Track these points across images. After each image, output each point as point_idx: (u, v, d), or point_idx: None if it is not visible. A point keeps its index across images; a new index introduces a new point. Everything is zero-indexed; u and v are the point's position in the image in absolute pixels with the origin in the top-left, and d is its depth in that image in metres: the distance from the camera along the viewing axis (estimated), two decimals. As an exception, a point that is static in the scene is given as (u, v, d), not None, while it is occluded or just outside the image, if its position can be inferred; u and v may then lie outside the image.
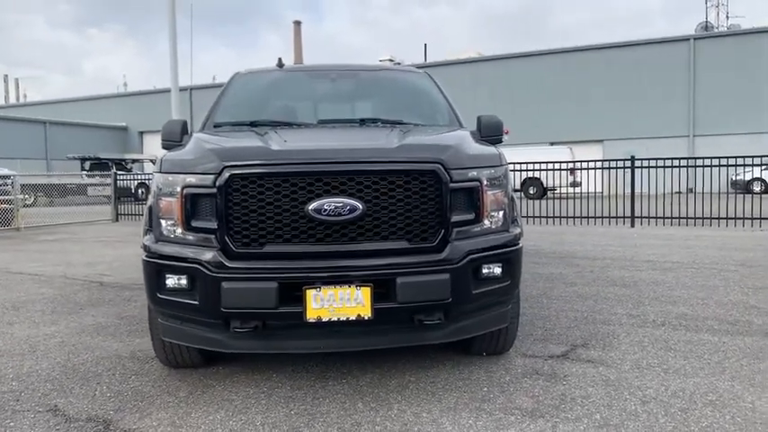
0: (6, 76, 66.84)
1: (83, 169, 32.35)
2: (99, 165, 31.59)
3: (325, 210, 3.06)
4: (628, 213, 12.81)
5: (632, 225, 12.63)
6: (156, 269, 3.28)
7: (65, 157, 34.81)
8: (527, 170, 14.20)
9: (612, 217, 12.96)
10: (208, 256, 3.13)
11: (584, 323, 4.72)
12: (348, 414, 3.12)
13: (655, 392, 3.31)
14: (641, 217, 12.69)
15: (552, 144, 35.16)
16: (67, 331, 4.83)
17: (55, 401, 3.38)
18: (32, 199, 25.89)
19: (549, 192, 25.15)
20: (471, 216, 3.30)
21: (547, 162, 14.06)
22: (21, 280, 7.32)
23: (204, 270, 3.12)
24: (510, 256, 3.43)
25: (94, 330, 4.83)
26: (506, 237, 3.45)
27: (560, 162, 14.51)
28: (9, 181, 15.01)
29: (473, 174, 3.32)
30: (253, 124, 4.32)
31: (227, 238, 3.12)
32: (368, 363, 3.84)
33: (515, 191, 16.94)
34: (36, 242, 12.17)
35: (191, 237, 3.22)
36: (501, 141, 4.82)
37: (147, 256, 3.34)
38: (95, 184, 26.59)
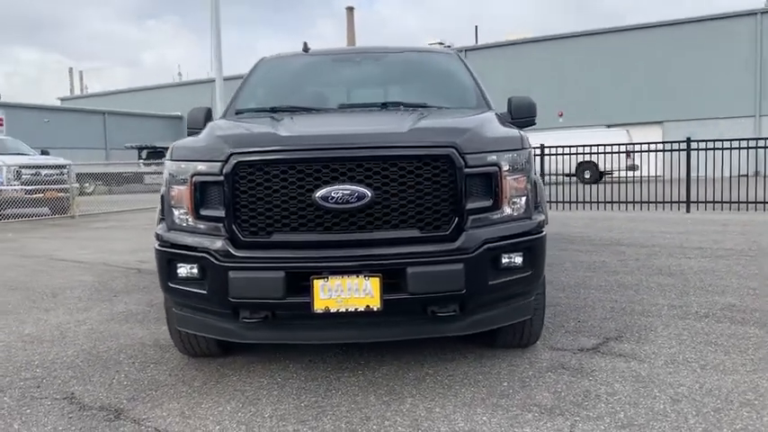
0: (71, 68, 69.36)
1: (140, 158, 33.28)
2: (155, 153, 32.43)
3: (333, 197, 2.95)
4: (684, 198, 12.26)
5: (688, 210, 12.08)
6: (167, 258, 3.25)
7: (123, 146, 35.88)
8: (581, 153, 13.68)
9: (667, 202, 12.43)
10: (216, 245, 3.08)
11: (620, 314, 4.48)
12: (359, 407, 3.03)
13: (688, 390, 3.09)
14: (697, 202, 12.12)
15: (609, 126, 34.13)
16: (98, 318, 4.90)
17: (73, 389, 3.41)
18: (92, 187, 26.82)
19: (605, 176, 24.34)
20: (489, 203, 3.14)
21: (598, 145, 13.52)
22: (64, 267, 7.51)
23: (212, 259, 3.06)
24: (532, 245, 3.25)
25: (124, 318, 4.88)
26: (528, 224, 3.27)
27: (612, 145, 13.88)
28: (65, 170, 15.50)
29: (491, 158, 3.15)
30: (273, 110, 4.24)
31: (234, 226, 3.05)
32: (387, 354, 3.73)
33: (569, 175, 16.56)
34: (87, 230, 12.54)
35: (200, 225, 3.17)
36: (533, 123, 4.63)
37: (159, 244, 3.31)
38: (152, 173, 27.33)
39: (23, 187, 14.94)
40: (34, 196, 14.99)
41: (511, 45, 40.24)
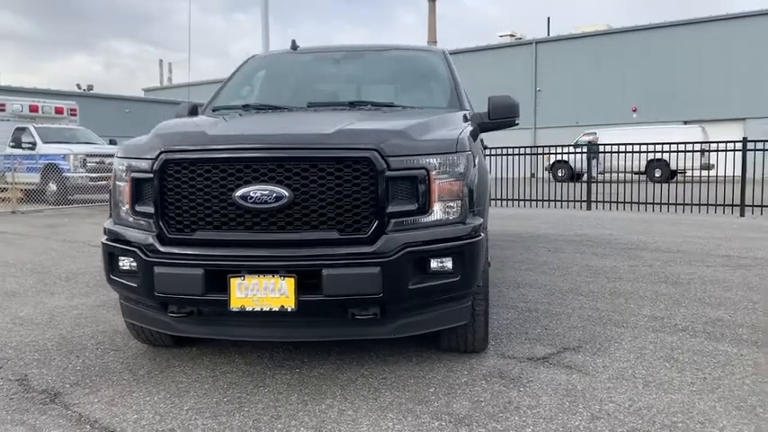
0: (161, 60, 72.46)
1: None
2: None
3: (252, 197, 2.99)
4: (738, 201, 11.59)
5: (742, 214, 11.41)
6: (108, 251, 3.39)
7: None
8: (649, 152, 12.97)
9: (719, 204, 11.77)
10: (145, 240, 3.18)
11: (594, 324, 4.32)
12: (275, 406, 3.07)
13: (614, 408, 2.96)
14: (752, 206, 11.42)
15: (686, 123, 32.58)
16: (92, 304, 5.14)
17: (29, 371, 3.60)
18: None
19: (678, 174, 23.26)
20: (414, 207, 3.09)
21: (661, 143, 12.75)
22: (93, 252, 7.91)
23: (140, 254, 3.17)
24: (462, 250, 3.17)
25: (114, 304, 5.09)
26: (459, 229, 3.19)
27: (676, 144, 12.97)
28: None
29: (419, 161, 3.10)
30: (245, 108, 4.32)
31: (161, 223, 3.14)
32: (332, 352, 3.75)
33: (639, 173, 15.94)
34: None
35: (136, 221, 3.28)
36: (514, 124, 4.54)
37: (104, 238, 3.45)
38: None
39: (88, 174, 15.79)
40: (98, 183, 15.80)
41: (582, 38, 38.96)
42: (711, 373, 3.39)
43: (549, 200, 13.20)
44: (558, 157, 24.70)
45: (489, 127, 4.54)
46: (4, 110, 18.23)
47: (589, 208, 12.91)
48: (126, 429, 2.85)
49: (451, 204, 3.20)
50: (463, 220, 3.24)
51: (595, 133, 28.21)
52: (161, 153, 3.13)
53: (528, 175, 13.57)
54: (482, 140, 6.19)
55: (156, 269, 3.11)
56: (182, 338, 3.88)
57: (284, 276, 2.97)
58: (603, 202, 12.74)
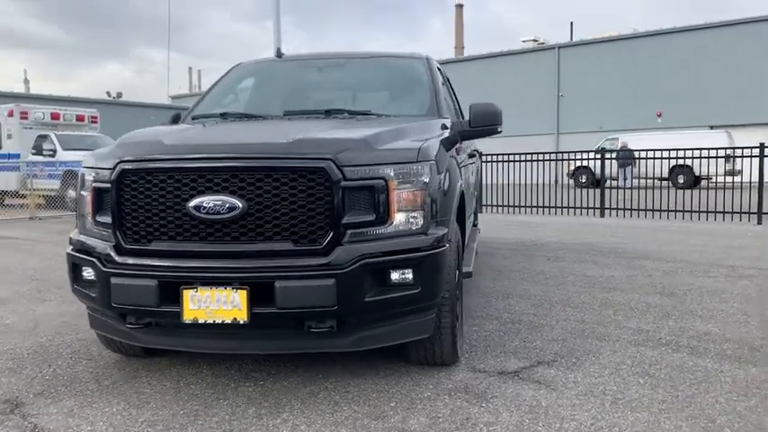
0: (190, 68, 73.56)
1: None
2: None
3: (205, 208, 2.96)
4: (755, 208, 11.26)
5: (759, 222, 11.09)
6: (71, 260, 3.39)
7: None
8: (671, 158, 12.64)
9: (735, 212, 11.46)
10: (103, 250, 3.17)
11: (575, 336, 4.20)
12: (230, 419, 3.02)
13: (575, 426, 2.86)
14: (771, 213, 11.10)
15: (712, 128, 31.92)
16: (78, 312, 5.14)
17: (-2, 380, 3.62)
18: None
19: (702, 180, 22.73)
20: (371, 217, 3.03)
21: (684, 149, 12.39)
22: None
23: (99, 264, 3.16)
24: (422, 262, 3.10)
25: (100, 312, 5.11)
26: (420, 240, 3.12)
27: (699, 149, 12.55)
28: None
29: (377, 171, 3.04)
30: (223, 116, 4.31)
31: (118, 233, 3.13)
32: (301, 365, 3.70)
33: (662, 179, 15.61)
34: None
35: (98, 231, 3.28)
36: (496, 132, 4.46)
37: (69, 248, 3.45)
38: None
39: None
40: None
41: (605, 42, 38.41)
42: (685, 390, 3.26)
43: (561, 206, 12.99)
44: (580, 163, 24.37)
45: (470, 135, 4.48)
46: (27, 118, 18.58)
47: (602, 215, 12.68)
48: (76, 442, 2.83)
49: (413, 215, 3.14)
50: (425, 230, 3.17)
51: (618, 138, 27.78)
52: (118, 163, 3.12)
53: (548, 181, 13.34)
54: (477, 149, 6.12)
55: (113, 280, 3.09)
56: (152, 348, 3.86)
57: (237, 288, 2.93)
58: (617, 209, 12.50)
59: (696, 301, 5.14)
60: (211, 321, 2.96)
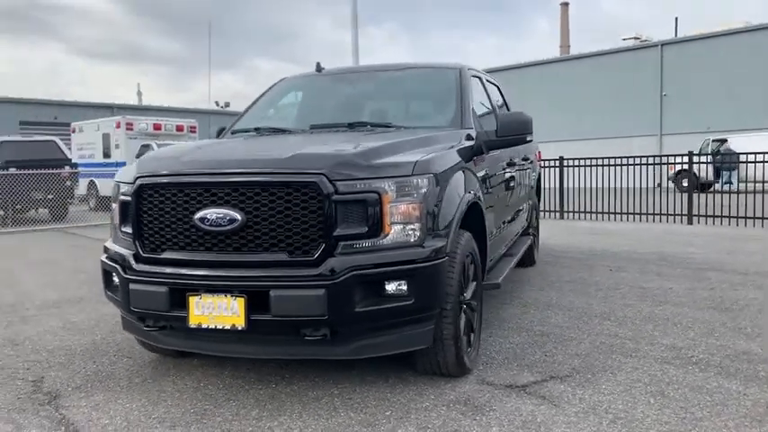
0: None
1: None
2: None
3: (208, 220, 3.16)
4: None
5: None
6: (102, 267, 3.70)
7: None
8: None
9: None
10: (124, 259, 3.45)
11: (601, 351, 4.08)
12: (232, 420, 3.20)
13: (561, 445, 2.81)
14: None
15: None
16: (137, 312, 5.56)
17: (47, 374, 3.99)
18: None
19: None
20: (364, 230, 3.11)
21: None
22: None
23: (121, 271, 3.43)
24: (416, 274, 3.15)
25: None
26: (414, 252, 3.17)
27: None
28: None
29: (370, 185, 3.12)
30: (257, 131, 4.53)
31: (137, 243, 3.39)
32: (317, 371, 3.82)
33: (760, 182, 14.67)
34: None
35: (123, 240, 3.56)
36: (525, 141, 4.43)
37: (103, 255, 3.76)
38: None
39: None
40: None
41: (712, 38, 36.10)
42: (696, 413, 3.11)
43: (645, 213, 12.40)
44: (680, 166, 23.12)
45: (497, 144, 4.48)
46: (132, 129, 20.01)
47: (690, 222, 12.01)
48: (92, 433, 3.10)
49: (410, 227, 3.20)
50: (421, 242, 3.21)
51: (726, 140, 26.10)
52: (138, 178, 3.39)
53: (645, 185, 12.71)
54: (527, 156, 6.02)
55: (131, 286, 3.36)
56: (181, 351, 4.11)
57: (236, 296, 3.11)
58: (706, 216, 11.79)
59: (750, 317, 4.82)
60: (213, 327, 3.15)
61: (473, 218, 3.90)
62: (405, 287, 3.15)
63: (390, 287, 3.14)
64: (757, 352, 4.00)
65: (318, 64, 5.26)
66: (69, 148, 20.45)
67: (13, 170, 14.69)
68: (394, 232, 3.16)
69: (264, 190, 3.12)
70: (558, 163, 13.82)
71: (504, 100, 6.38)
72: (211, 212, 3.16)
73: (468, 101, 4.50)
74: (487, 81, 5.70)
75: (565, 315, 5.02)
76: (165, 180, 3.31)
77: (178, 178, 3.28)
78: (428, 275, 3.20)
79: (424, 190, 3.23)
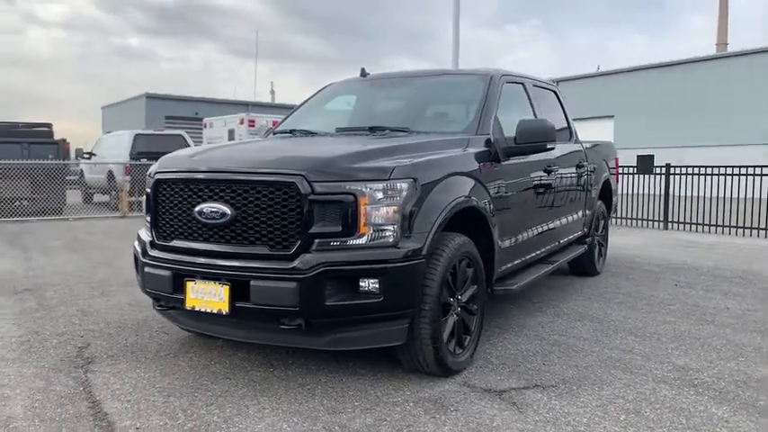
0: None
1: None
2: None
3: (204, 213, 3.51)
4: None
5: None
6: (133, 253, 4.16)
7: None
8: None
9: None
10: (144, 245, 3.88)
11: (601, 365, 3.99)
12: (218, 395, 3.53)
13: (500, 449, 2.86)
14: None
15: None
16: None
17: (94, 342, 4.55)
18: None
19: None
20: (339, 228, 3.32)
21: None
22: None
23: (140, 255, 3.88)
24: (387, 272, 3.31)
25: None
26: (387, 252, 3.34)
27: None
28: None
29: (346, 187, 3.32)
30: (292, 132, 4.87)
31: (152, 231, 3.81)
32: (318, 360, 4.06)
33: None
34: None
35: (146, 228, 4.00)
36: (544, 149, 4.44)
37: (135, 242, 4.24)
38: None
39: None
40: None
41: None
42: (660, 434, 3.02)
43: (757, 228, 11.44)
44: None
45: (516, 151, 4.49)
46: (254, 125, 21.29)
47: (807, 240, 10.95)
48: (101, 395, 3.55)
49: (385, 228, 3.36)
50: (396, 243, 3.36)
51: None
52: (156, 173, 3.81)
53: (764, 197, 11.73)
54: (579, 162, 5.90)
55: (146, 269, 3.79)
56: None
57: (222, 284, 3.43)
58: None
59: (794, 343, 4.47)
60: (203, 310, 3.49)
61: (473, 222, 3.97)
62: (377, 285, 3.31)
63: (363, 284, 3.32)
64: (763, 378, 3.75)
65: (363, 69, 5.50)
66: (201, 141, 22.14)
67: (144, 160, 16.20)
68: (369, 232, 3.34)
69: (252, 188, 3.41)
70: (663, 170, 13.09)
71: (561, 107, 6.28)
72: (207, 207, 3.50)
73: (490, 108, 4.54)
74: (536, 87, 5.66)
75: (591, 327, 4.91)
76: (174, 176, 3.70)
77: (184, 174, 3.66)
78: (400, 275, 3.34)
79: (401, 193, 3.38)
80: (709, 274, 7.36)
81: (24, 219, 13.78)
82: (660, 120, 29.71)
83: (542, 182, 5.09)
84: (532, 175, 4.90)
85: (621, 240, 10.51)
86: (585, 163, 6.30)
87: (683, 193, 12.57)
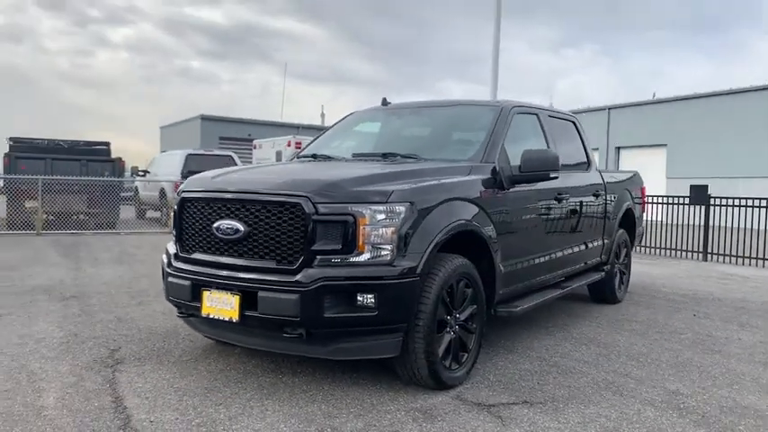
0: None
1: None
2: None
3: (221, 229, 3.87)
4: None
5: None
6: (161, 265, 4.55)
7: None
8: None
9: None
10: (170, 257, 4.27)
11: (593, 387, 4.15)
12: (227, 397, 3.85)
13: (475, 456, 3.08)
14: None
15: None
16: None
17: (125, 345, 4.95)
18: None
19: None
20: (339, 246, 3.62)
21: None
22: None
23: (165, 267, 4.26)
24: (382, 288, 3.58)
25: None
26: (383, 270, 3.61)
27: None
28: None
29: (347, 209, 3.63)
30: (314, 156, 5.23)
31: (177, 244, 4.20)
32: (326, 369, 4.35)
33: None
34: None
35: (173, 241, 4.39)
36: (548, 178, 4.66)
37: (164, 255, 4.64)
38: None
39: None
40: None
41: None
42: (630, 450, 3.18)
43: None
44: None
45: (520, 179, 4.72)
46: (300, 147, 21.94)
47: None
48: (124, 392, 3.92)
49: (383, 247, 3.65)
50: (392, 262, 3.64)
51: None
52: (181, 192, 4.21)
53: None
54: (596, 191, 6.06)
55: (169, 279, 4.16)
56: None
57: (234, 294, 3.77)
58: None
59: (796, 376, 4.52)
60: (217, 318, 3.83)
61: (474, 245, 4.22)
62: (373, 300, 3.59)
63: (360, 299, 3.60)
64: (760, 408, 3.84)
65: (384, 99, 5.84)
66: (251, 162, 22.92)
67: (193, 180, 16.95)
68: (368, 251, 3.63)
69: (263, 207, 3.76)
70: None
71: (580, 137, 6.46)
72: (224, 223, 3.86)
73: (497, 138, 4.79)
74: (552, 118, 5.87)
75: (595, 351, 5.05)
76: (197, 195, 4.09)
77: (206, 194, 4.04)
78: (395, 291, 3.61)
79: (399, 215, 3.67)
80: (733, 305, 7.34)
81: (80, 232, 14.60)
82: (714, 149, 29.12)
83: (552, 209, 5.29)
84: (540, 203, 5.11)
85: (655, 270, 10.48)
86: (602, 192, 6.45)
87: (726, 224, 12.40)
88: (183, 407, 3.67)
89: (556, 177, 4.87)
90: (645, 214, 9.39)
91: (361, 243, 3.62)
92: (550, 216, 5.30)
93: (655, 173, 31.61)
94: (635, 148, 34.09)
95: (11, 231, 14.20)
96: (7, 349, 4.77)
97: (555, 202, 5.35)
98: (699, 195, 13.23)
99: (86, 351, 4.77)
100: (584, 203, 6.02)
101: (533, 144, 5.30)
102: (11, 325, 5.53)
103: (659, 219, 13.71)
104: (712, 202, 12.87)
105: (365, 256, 3.63)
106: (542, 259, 5.23)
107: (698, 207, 13.00)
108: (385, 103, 5.84)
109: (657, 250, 13.28)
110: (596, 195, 6.30)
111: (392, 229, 3.65)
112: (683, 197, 13.32)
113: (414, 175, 4.05)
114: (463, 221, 4.07)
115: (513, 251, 4.71)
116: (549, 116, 5.84)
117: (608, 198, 6.62)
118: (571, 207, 5.68)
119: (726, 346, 5.34)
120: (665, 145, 31.80)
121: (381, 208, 3.65)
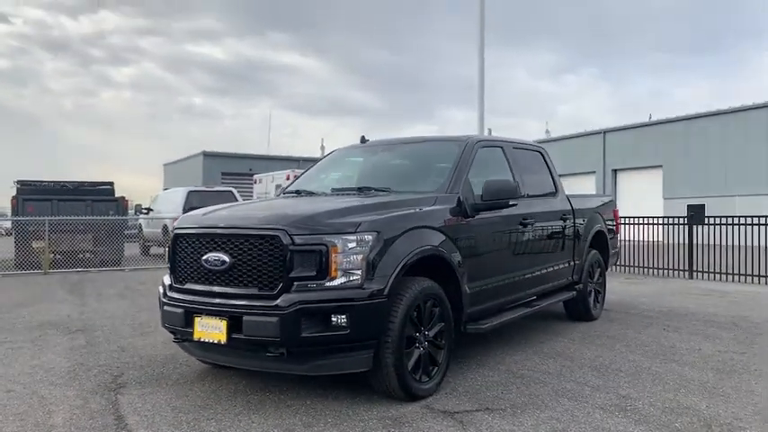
0: (490, 129, 78.82)
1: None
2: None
3: (209, 260, 4.34)
4: None
5: None
6: (158, 296, 5.01)
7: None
8: None
9: None
10: (165, 287, 4.73)
11: (552, 395, 4.56)
12: (217, 412, 4.27)
13: (433, 454, 3.49)
14: None
15: None
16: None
17: (127, 371, 5.38)
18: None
19: None
20: (314, 273, 4.08)
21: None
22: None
23: (161, 297, 4.72)
24: (352, 309, 4.03)
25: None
26: (353, 293, 4.06)
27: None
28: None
29: (320, 239, 4.10)
30: (298, 192, 5.72)
31: (171, 275, 4.67)
32: (311, 387, 4.76)
33: None
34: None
35: (168, 274, 4.86)
36: (506, 206, 5.12)
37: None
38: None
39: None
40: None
41: None
42: (573, 445, 3.59)
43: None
44: None
45: (482, 207, 5.19)
46: (299, 180, 22.51)
47: (829, 288, 11.03)
48: (126, 411, 4.35)
49: (353, 272, 4.10)
50: (361, 285, 4.10)
51: None
52: (175, 229, 4.69)
53: None
54: (563, 215, 6.50)
55: (165, 307, 4.62)
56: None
57: (222, 319, 4.21)
58: None
59: (744, 381, 4.92)
60: (207, 341, 4.27)
61: (441, 268, 4.67)
62: (345, 320, 4.03)
63: (334, 319, 4.04)
64: (699, 408, 4.24)
65: (363, 137, 6.35)
66: (252, 196, 23.49)
67: (194, 215, 17.48)
68: (340, 276, 4.09)
69: (246, 240, 4.23)
70: (685, 220, 13.40)
71: (547, 166, 6.94)
72: (212, 255, 4.33)
73: (462, 170, 5.27)
74: (517, 149, 6.36)
75: (561, 363, 5.46)
76: (188, 231, 4.57)
77: (196, 230, 4.52)
78: (365, 311, 4.06)
79: (367, 244, 4.13)
80: (704, 320, 7.74)
81: (86, 269, 15.08)
82: (708, 168, 29.58)
83: (517, 234, 5.74)
84: (504, 228, 5.57)
85: (638, 288, 10.88)
86: (570, 216, 6.91)
87: (723, 243, 12.67)
88: (178, 422, 4.10)
89: (515, 205, 5.33)
90: (619, 236, 9.83)
91: (333, 269, 4.08)
92: (516, 240, 5.75)
93: (652, 194, 32.07)
94: (632, 170, 34.55)
95: (19, 271, 14.69)
96: (19, 378, 5.20)
97: (520, 227, 5.81)
98: (696, 215, 13.58)
99: (92, 378, 5.20)
100: (551, 227, 6.47)
101: (499, 175, 5.78)
102: (22, 357, 5.97)
103: (657, 239, 14.11)
104: (709, 221, 13.22)
105: (338, 281, 4.09)
106: (509, 280, 5.67)
107: (689, 226, 13.35)
108: (363, 140, 6.35)
109: (647, 270, 13.68)
110: (564, 219, 6.76)
111: (361, 255, 4.11)
112: (679, 217, 13.71)
113: (383, 207, 4.52)
114: (428, 247, 4.53)
115: (479, 273, 5.15)
116: (515, 148, 6.33)
117: (576, 222, 7.07)
118: (537, 231, 6.13)
119: (685, 356, 5.74)
120: (661, 166, 32.27)
121: (351, 237, 4.12)
